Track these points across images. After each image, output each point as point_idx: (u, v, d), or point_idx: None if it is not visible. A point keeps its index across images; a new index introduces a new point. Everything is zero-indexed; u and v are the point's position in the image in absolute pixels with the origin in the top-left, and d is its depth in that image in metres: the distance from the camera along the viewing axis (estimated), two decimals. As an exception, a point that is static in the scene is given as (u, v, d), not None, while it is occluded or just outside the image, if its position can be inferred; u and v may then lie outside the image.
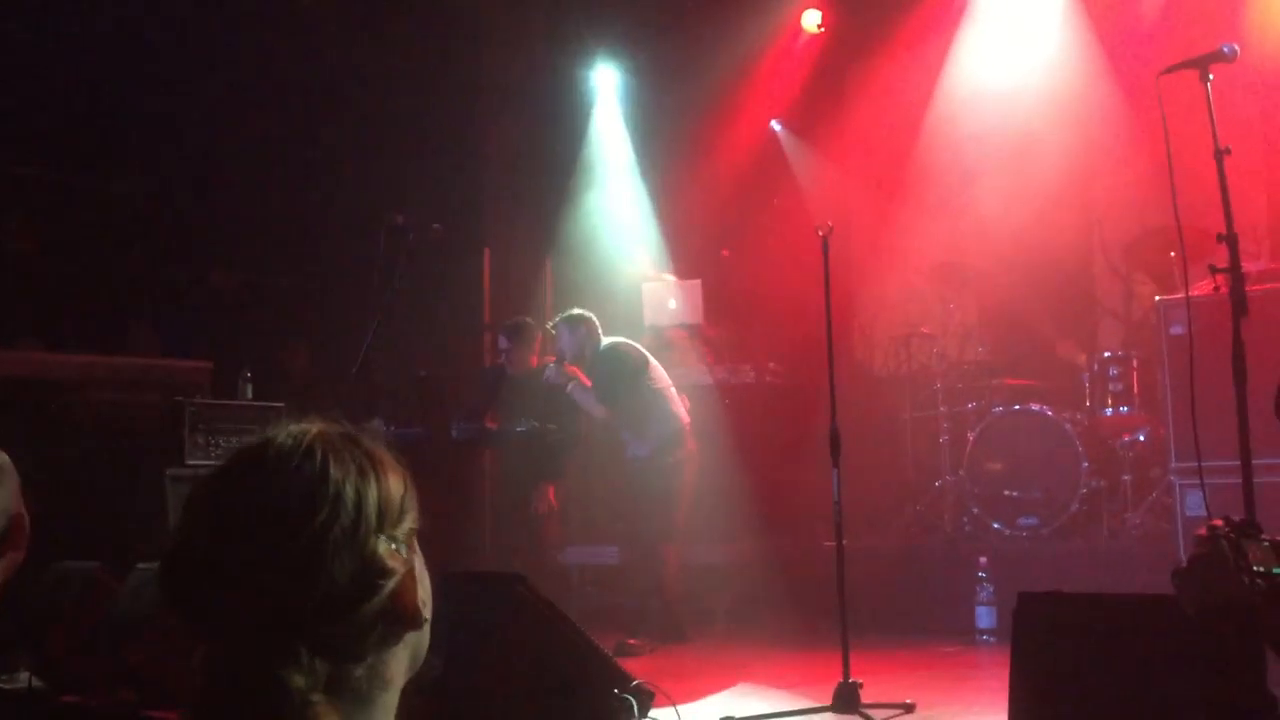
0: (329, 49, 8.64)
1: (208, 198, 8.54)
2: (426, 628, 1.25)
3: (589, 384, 6.54)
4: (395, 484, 1.24)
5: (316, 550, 1.16)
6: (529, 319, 7.09)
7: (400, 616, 1.19)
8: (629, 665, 3.76)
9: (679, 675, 5.29)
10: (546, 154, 9.15)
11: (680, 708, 3.98)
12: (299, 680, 1.15)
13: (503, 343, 6.94)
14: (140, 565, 4.43)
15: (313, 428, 1.25)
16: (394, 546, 1.20)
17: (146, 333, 7.63)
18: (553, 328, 6.70)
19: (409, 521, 1.24)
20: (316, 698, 1.16)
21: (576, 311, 6.68)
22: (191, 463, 6.04)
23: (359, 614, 1.17)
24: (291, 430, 1.24)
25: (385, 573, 1.18)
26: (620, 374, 6.48)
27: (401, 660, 1.23)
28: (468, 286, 9.21)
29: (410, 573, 1.21)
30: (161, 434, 6.12)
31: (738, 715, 4.38)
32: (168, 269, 7.63)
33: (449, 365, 8.37)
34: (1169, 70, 4.01)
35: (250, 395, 6.72)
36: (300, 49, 8.60)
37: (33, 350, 6.35)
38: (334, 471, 1.20)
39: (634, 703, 3.58)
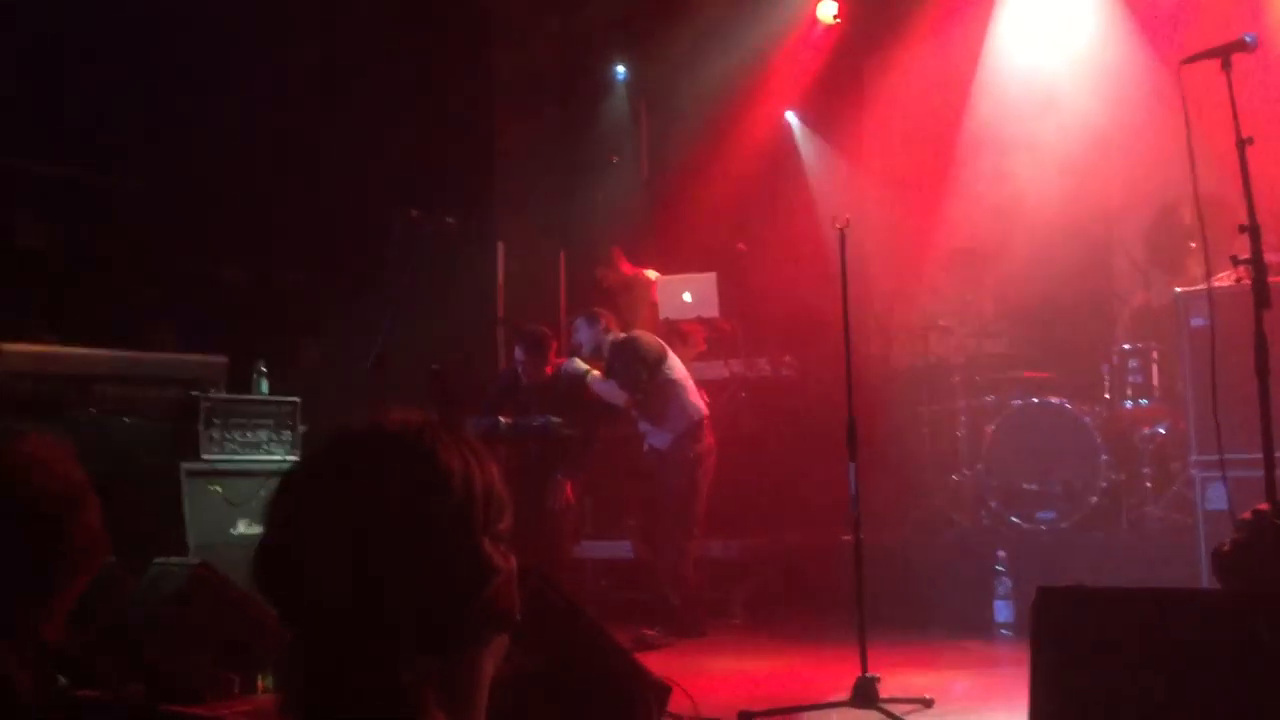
0: (343, 43, 8.63)
1: (221, 192, 8.54)
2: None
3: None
4: (497, 479, 1.21)
5: (429, 543, 1.13)
6: (545, 328, 7.08)
7: (499, 616, 1.17)
8: (645, 659, 3.74)
9: (696, 670, 5.28)
10: (560, 148, 9.13)
11: (698, 703, 3.96)
12: (408, 676, 1.12)
13: (519, 354, 6.93)
14: (156, 560, 4.43)
15: (417, 417, 1.21)
16: (496, 543, 1.18)
17: (162, 330, 7.64)
18: (572, 324, 6.76)
19: (507, 517, 1.21)
20: (426, 694, 1.13)
21: (595, 310, 6.80)
22: (207, 457, 6.04)
23: (467, 610, 1.14)
24: (398, 418, 1.20)
25: (493, 570, 1.15)
26: (640, 362, 6.48)
27: (492, 661, 1.21)
28: (481, 281, 9.20)
29: (511, 572, 1.18)
30: (177, 428, 6.11)
31: (756, 710, 4.36)
32: (182, 264, 7.64)
33: (462, 359, 8.35)
34: (1190, 60, 3.96)
35: (265, 390, 6.72)
36: (314, 43, 8.59)
37: (47, 345, 6.36)
38: (450, 463, 1.16)
39: (652, 697, 3.56)
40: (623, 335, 6.70)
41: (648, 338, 6.75)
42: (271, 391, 6.71)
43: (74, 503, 1.75)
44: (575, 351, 6.76)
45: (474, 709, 1.18)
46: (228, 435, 6.16)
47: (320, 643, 1.13)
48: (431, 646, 1.13)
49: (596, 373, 6.58)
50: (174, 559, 4.73)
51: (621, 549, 7.70)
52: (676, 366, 6.66)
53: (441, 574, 1.13)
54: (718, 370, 8.04)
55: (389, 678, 1.12)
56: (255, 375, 6.74)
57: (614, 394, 6.53)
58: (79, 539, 1.75)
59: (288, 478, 1.19)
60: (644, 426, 6.66)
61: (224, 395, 6.39)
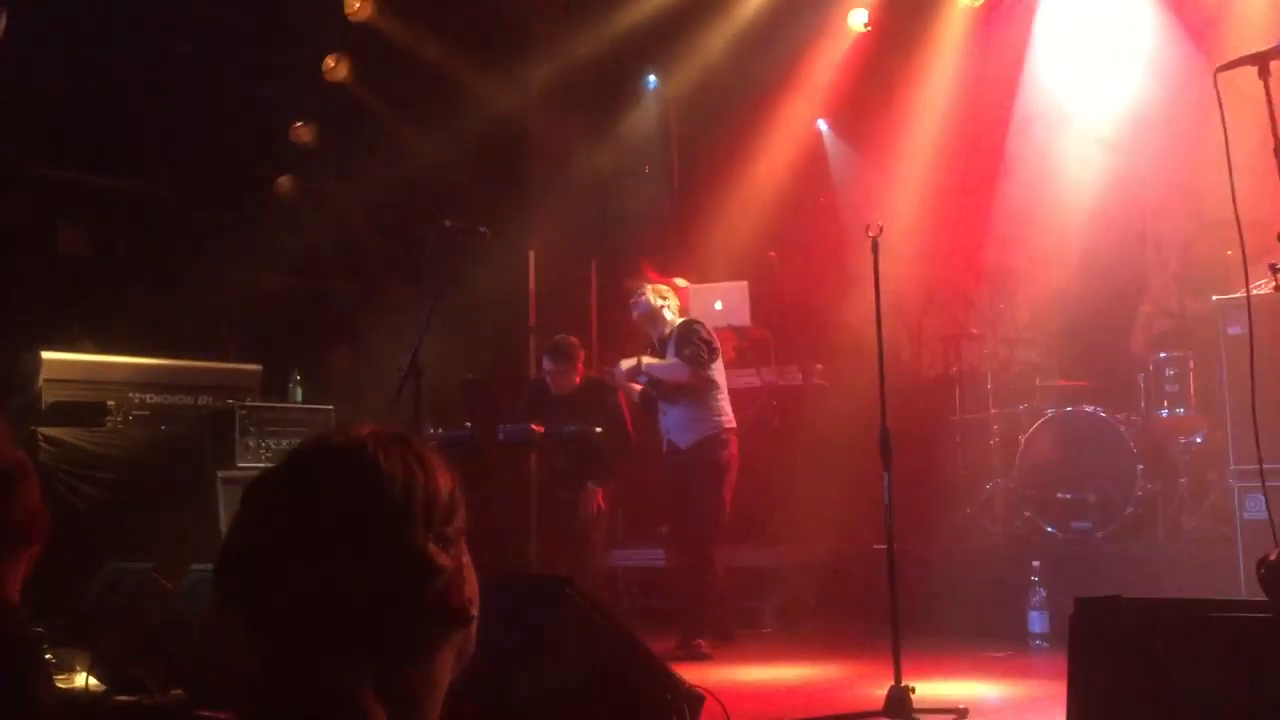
0: (377, 51, 8.70)
1: (258, 201, 8.63)
2: (472, 628, 1.25)
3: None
4: (444, 482, 1.24)
5: (364, 546, 1.16)
6: (573, 338, 7.10)
7: (448, 614, 1.20)
8: (679, 669, 3.73)
9: (729, 679, 5.27)
10: (592, 157, 9.16)
11: (730, 712, 3.95)
12: (347, 678, 1.15)
13: (548, 364, 6.94)
14: (194, 566, 4.47)
15: (364, 427, 1.25)
16: (442, 545, 1.20)
17: (224, 340, 7.73)
18: (633, 298, 6.65)
19: (457, 520, 1.24)
20: (364, 697, 1.15)
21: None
22: (242, 465, 6.10)
23: (407, 611, 1.17)
24: (343, 429, 1.25)
25: (433, 570, 1.18)
26: (705, 344, 6.45)
27: (448, 660, 1.23)
28: (513, 290, 9.25)
29: (458, 570, 1.21)
30: (213, 436, 6.18)
31: (789, 719, 4.35)
32: (219, 273, 7.71)
33: (495, 368, 8.40)
34: (1226, 66, 3.92)
35: (300, 398, 6.78)
36: (350, 55, 8.67)
37: (86, 353, 6.44)
38: (383, 468, 1.20)
39: (685, 707, 3.56)
40: (688, 318, 6.68)
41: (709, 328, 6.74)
42: (306, 400, 6.77)
43: (11, 479, 1.87)
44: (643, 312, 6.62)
45: (423, 709, 1.20)
46: (263, 443, 6.23)
47: (274, 649, 1.17)
48: (373, 649, 1.16)
49: (649, 359, 6.49)
50: (211, 566, 4.77)
51: (653, 557, 7.70)
52: (721, 369, 6.65)
53: (377, 575, 1.16)
54: (749, 379, 8.04)
55: (327, 679, 1.15)
56: (290, 384, 6.80)
57: (676, 371, 6.39)
58: (15, 513, 1.87)
59: (247, 488, 1.24)
60: (669, 423, 6.51)
61: (259, 403, 6.46)
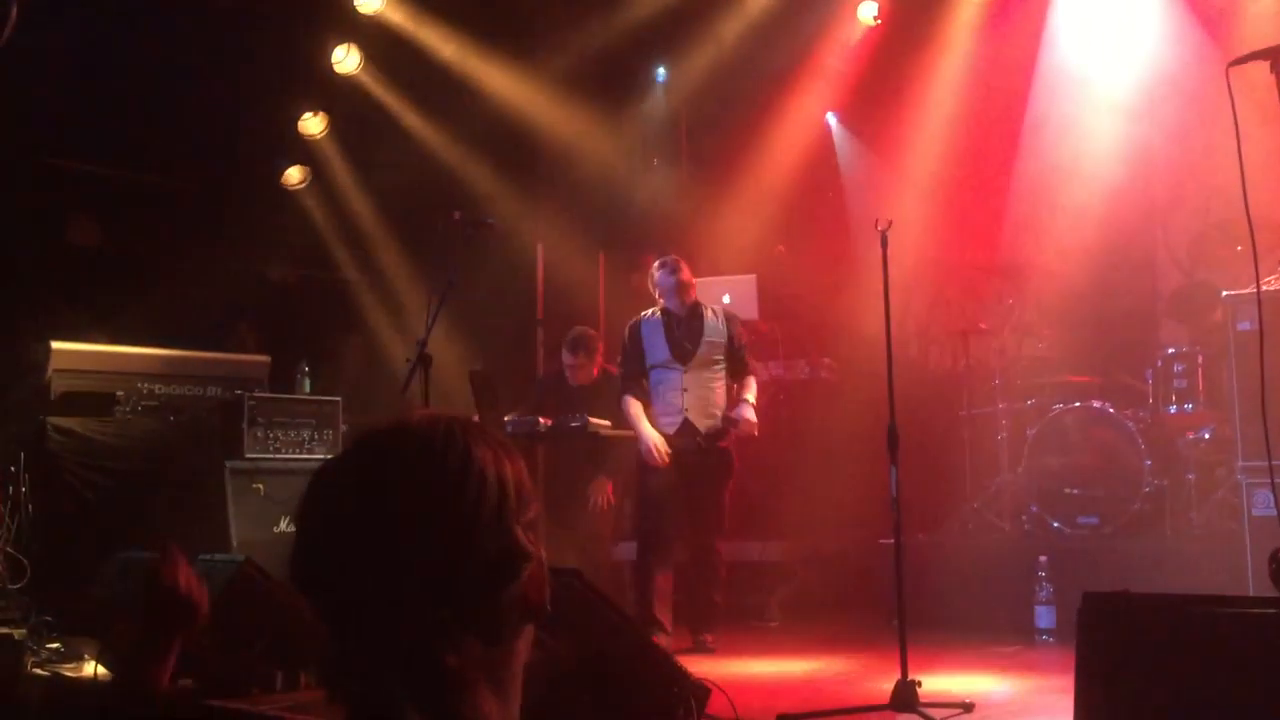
0: (383, 42, 8.70)
1: (267, 193, 8.64)
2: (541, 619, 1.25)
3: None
4: (525, 471, 1.25)
5: (467, 528, 1.16)
6: (591, 330, 7.11)
7: (531, 604, 1.20)
8: (687, 662, 3.74)
9: (735, 672, 5.28)
10: (601, 150, 9.15)
11: (736, 705, 3.96)
12: (454, 659, 1.16)
13: (567, 357, 6.95)
14: (201, 556, 4.48)
15: (444, 413, 1.26)
16: (529, 533, 1.21)
17: (242, 331, 7.74)
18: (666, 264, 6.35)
19: (534, 509, 1.25)
20: (474, 676, 1.16)
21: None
22: (251, 455, 6.11)
23: (502, 596, 1.17)
24: (425, 415, 1.25)
25: (525, 556, 1.19)
26: (744, 340, 6.41)
27: (525, 649, 1.24)
28: (521, 282, 9.25)
29: (541, 561, 1.22)
30: (222, 427, 6.19)
31: (795, 713, 4.35)
32: (228, 263, 7.73)
33: (502, 360, 8.40)
34: (1238, 61, 3.91)
35: (308, 389, 6.79)
36: (358, 45, 8.67)
37: (95, 343, 6.46)
38: (478, 453, 1.20)
39: (691, 700, 3.57)
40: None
41: None
42: (314, 391, 6.78)
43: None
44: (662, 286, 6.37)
45: (514, 694, 1.21)
46: (271, 434, 6.24)
47: (362, 638, 1.16)
48: (473, 632, 1.17)
49: (751, 398, 6.19)
50: (219, 555, 4.79)
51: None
52: None
53: (477, 562, 1.16)
54: (757, 372, 8.02)
55: (436, 660, 1.15)
56: (298, 375, 6.82)
57: (755, 386, 6.31)
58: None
59: (318, 476, 1.23)
60: (691, 401, 6.16)
61: (267, 394, 6.47)
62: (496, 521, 1.18)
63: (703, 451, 6.13)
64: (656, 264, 6.37)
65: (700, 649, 5.98)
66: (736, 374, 6.31)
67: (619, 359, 6.48)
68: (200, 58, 7.62)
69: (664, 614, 6.08)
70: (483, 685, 1.17)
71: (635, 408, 6.20)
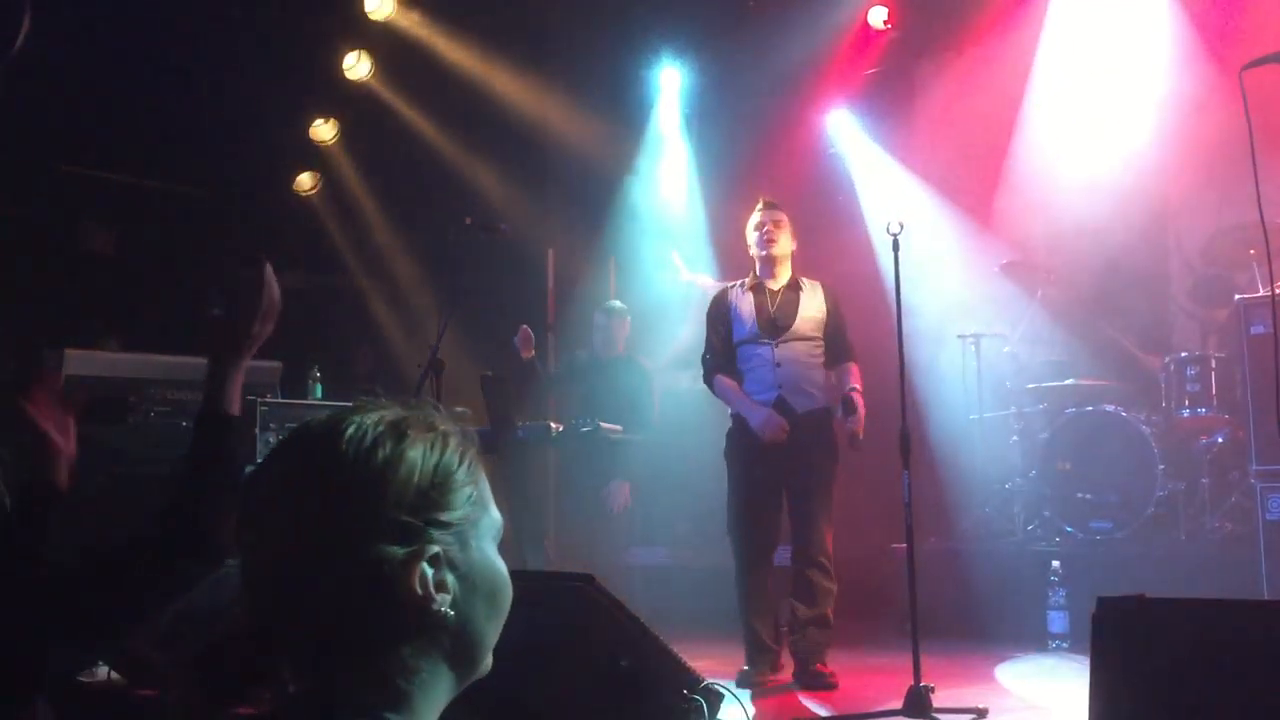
0: (396, 47, 8.73)
1: (277, 199, 8.67)
2: (469, 629, 1.19)
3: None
4: (421, 463, 1.18)
5: (320, 523, 1.13)
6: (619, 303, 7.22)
7: (398, 610, 1.14)
8: (697, 665, 3.73)
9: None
10: (611, 155, 9.16)
11: (750, 709, 3.96)
12: (342, 676, 1.14)
13: (600, 319, 7.04)
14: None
15: (364, 408, 1.21)
16: (401, 534, 1.15)
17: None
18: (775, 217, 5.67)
19: (440, 510, 1.18)
20: (356, 693, 1.14)
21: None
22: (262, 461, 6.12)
23: (361, 603, 1.13)
24: (346, 408, 1.22)
25: (378, 562, 1.13)
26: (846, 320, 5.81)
27: (432, 660, 1.17)
28: (532, 287, 9.26)
29: (410, 563, 1.14)
30: (234, 432, 6.19)
31: (808, 718, 4.34)
32: (238, 269, 7.74)
33: (513, 365, 8.41)
34: (1251, 65, 3.91)
35: (319, 394, 6.80)
36: (368, 50, 8.70)
37: (108, 349, 6.48)
38: (348, 448, 1.16)
39: (704, 704, 3.56)
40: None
41: None
42: (326, 396, 6.80)
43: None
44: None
45: (410, 710, 1.15)
46: (283, 440, 6.24)
47: (266, 644, 1.16)
48: (336, 640, 1.14)
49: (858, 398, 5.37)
50: (232, 562, 4.80)
51: (669, 555, 7.73)
52: None
53: (325, 564, 1.13)
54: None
55: (322, 678, 1.14)
56: (310, 380, 6.83)
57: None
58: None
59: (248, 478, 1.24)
60: (784, 376, 5.40)
61: (279, 400, 6.48)
62: (361, 527, 1.13)
63: (802, 435, 5.32)
64: (761, 206, 5.62)
65: (817, 684, 5.12)
66: (836, 358, 5.53)
67: (705, 338, 5.66)
68: (212, 65, 7.66)
69: (771, 637, 5.40)
70: (368, 701, 1.13)
71: (730, 384, 5.45)
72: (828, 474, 5.40)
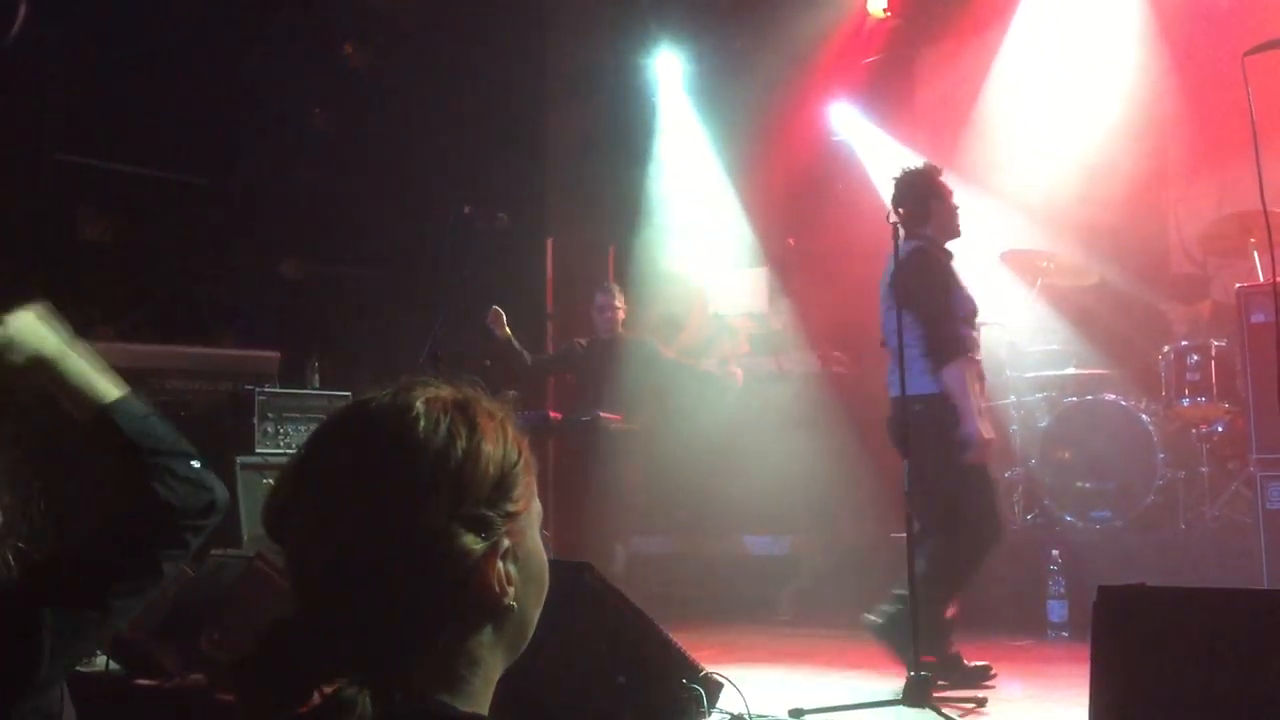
0: (395, 38, 8.70)
1: (277, 188, 8.65)
2: (521, 620, 1.19)
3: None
4: (493, 456, 1.16)
5: (381, 518, 1.10)
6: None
7: (471, 604, 1.13)
8: (697, 653, 3.73)
9: (746, 666, 5.27)
10: (610, 143, 9.14)
11: (747, 698, 3.95)
12: (369, 662, 1.10)
13: (601, 299, 6.99)
14: (213, 552, 4.48)
15: (420, 388, 1.18)
16: (474, 526, 1.13)
17: (219, 327, 7.75)
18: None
19: (507, 502, 1.17)
20: (410, 676, 1.12)
21: None
22: (261, 451, 6.12)
23: (425, 596, 1.11)
24: (401, 387, 1.18)
25: (448, 554, 1.11)
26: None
27: (486, 653, 1.16)
28: (531, 277, 9.24)
29: (488, 557, 1.13)
30: (232, 422, 6.20)
31: (807, 707, 4.34)
32: (238, 259, 7.73)
33: (489, 346, 8.40)
34: (1254, 50, 3.90)
35: (318, 384, 6.80)
36: (367, 39, 8.67)
37: (106, 339, 6.47)
38: (419, 434, 1.13)
39: (703, 693, 3.56)
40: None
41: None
42: (324, 386, 6.79)
43: None
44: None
45: (469, 695, 1.14)
46: (281, 429, 6.24)
47: (303, 622, 1.12)
48: (391, 632, 1.11)
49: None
50: (230, 550, 4.79)
51: (669, 544, 7.73)
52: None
53: (394, 553, 1.10)
54: (766, 365, 8.02)
55: (387, 671, 1.10)
56: (308, 369, 6.82)
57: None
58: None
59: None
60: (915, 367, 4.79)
61: (278, 389, 6.47)
62: (413, 513, 1.10)
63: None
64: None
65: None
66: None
67: (934, 299, 4.86)
68: (211, 52, 7.63)
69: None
70: (424, 686, 1.11)
71: (965, 382, 4.80)
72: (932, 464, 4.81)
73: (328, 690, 1.06)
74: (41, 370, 1.86)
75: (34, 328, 1.87)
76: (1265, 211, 3.99)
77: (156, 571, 1.84)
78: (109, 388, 1.90)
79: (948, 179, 5.17)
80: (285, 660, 1.09)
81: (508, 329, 6.73)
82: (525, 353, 6.81)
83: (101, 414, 1.87)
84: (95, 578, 1.80)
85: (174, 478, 1.86)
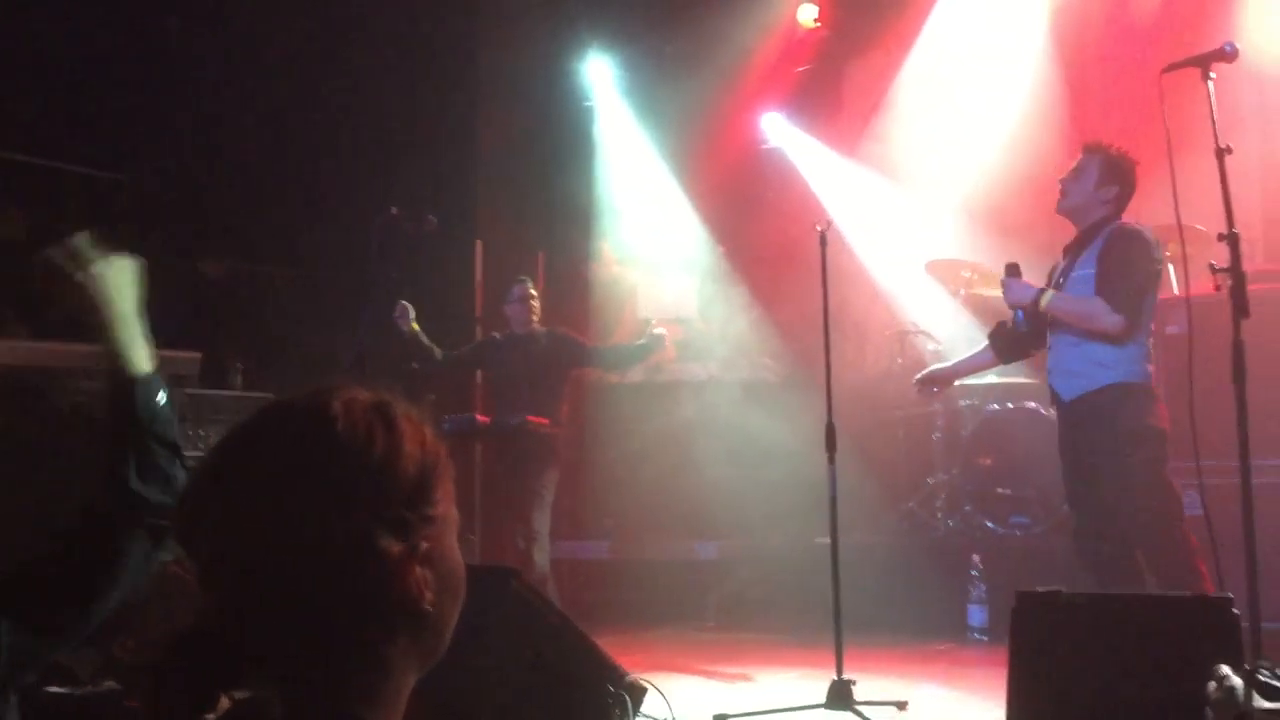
0: (324, 37, 8.59)
1: (198, 186, 8.49)
2: (438, 624, 1.17)
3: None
4: (413, 458, 1.14)
5: (298, 519, 1.08)
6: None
7: (389, 608, 1.11)
8: (623, 660, 3.73)
9: (671, 672, 5.28)
10: (541, 146, 9.11)
11: (672, 704, 3.96)
12: (292, 669, 1.10)
13: (517, 291, 6.92)
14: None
15: (345, 388, 1.16)
16: (393, 529, 1.10)
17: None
18: None
19: (426, 505, 1.15)
20: (316, 686, 1.09)
21: None
22: (182, 453, 6.00)
23: (341, 600, 1.08)
24: (318, 389, 1.16)
25: (366, 556, 1.09)
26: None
27: (401, 659, 1.14)
28: (460, 280, 9.17)
29: (406, 560, 1.11)
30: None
31: (731, 713, 4.36)
32: (159, 258, 7.57)
33: (397, 341, 8.32)
34: (1171, 68, 3.99)
35: (241, 386, 6.68)
36: (294, 38, 8.55)
37: (21, 338, 6.30)
38: (340, 435, 1.11)
39: (627, 699, 3.56)
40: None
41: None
42: (247, 388, 6.67)
43: None
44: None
45: (381, 704, 1.12)
46: (201, 431, 6.11)
47: (212, 627, 1.10)
48: (308, 636, 1.09)
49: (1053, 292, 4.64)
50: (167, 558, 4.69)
51: (595, 549, 7.72)
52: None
53: (310, 555, 1.08)
54: (695, 372, 8.05)
55: (297, 678, 1.09)
56: (231, 371, 6.70)
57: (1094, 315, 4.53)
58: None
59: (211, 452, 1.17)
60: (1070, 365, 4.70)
61: (199, 390, 6.34)
62: (340, 515, 1.08)
63: (1075, 424, 4.66)
64: None
65: None
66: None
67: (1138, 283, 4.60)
68: (130, 41, 7.48)
69: None
70: (333, 696, 1.09)
71: None
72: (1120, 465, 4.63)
73: (238, 697, 1.04)
74: (103, 314, 2.00)
75: (124, 278, 2.04)
76: (1179, 226, 4.09)
77: (116, 579, 1.83)
78: (144, 361, 1.99)
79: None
80: (192, 666, 1.06)
81: (415, 324, 6.63)
82: (435, 348, 6.71)
83: (127, 382, 1.95)
84: (55, 596, 1.79)
85: (151, 467, 1.91)
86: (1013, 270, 4.79)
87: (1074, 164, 4.80)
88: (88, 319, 1.99)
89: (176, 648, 1.08)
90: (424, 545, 1.14)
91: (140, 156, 7.99)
